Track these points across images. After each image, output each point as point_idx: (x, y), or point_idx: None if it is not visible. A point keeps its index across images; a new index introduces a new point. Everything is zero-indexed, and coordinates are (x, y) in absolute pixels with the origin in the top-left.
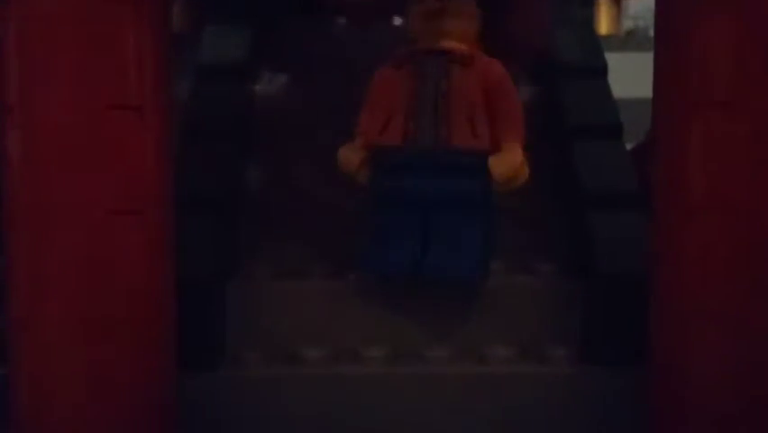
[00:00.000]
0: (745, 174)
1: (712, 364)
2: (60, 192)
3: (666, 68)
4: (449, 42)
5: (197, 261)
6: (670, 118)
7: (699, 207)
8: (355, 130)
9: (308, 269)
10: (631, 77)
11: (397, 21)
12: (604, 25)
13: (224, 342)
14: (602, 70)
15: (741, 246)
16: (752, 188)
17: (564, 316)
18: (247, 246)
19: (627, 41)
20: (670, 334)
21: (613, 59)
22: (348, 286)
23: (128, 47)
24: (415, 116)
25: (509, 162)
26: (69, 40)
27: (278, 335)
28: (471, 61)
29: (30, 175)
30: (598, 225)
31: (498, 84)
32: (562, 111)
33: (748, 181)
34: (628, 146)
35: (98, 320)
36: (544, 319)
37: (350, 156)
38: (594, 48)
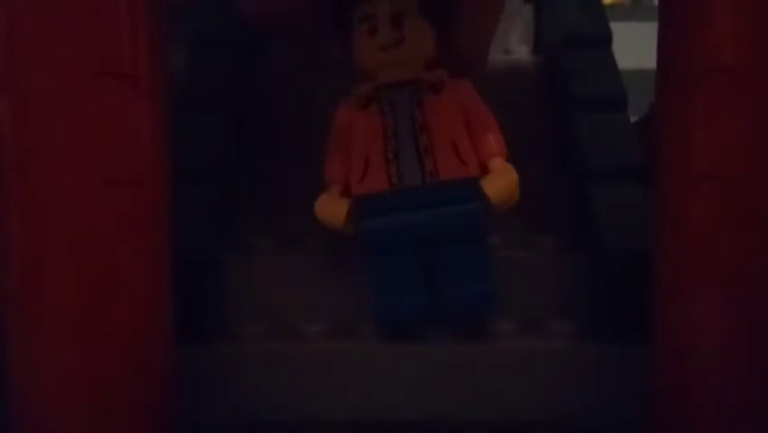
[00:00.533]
0: (750, 144)
1: (715, 337)
2: (54, 162)
3: (670, 36)
4: (414, 70)
5: (195, 233)
6: (674, 88)
7: (702, 177)
8: (326, 177)
9: (308, 242)
10: (636, 47)
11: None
12: None
13: (223, 315)
14: (607, 40)
15: (745, 217)
16: (756, 158)
17: (567, 290)
18: (246, 219)
19: (632, 10)
20: (673, 308)
21: (618, 29)
22: (347, 260)
23: (121, 14)
24: (396, 156)
25: (504, 182)
26: (61, 5)
27: (277, 308)
28: (442, 86)
29: (22, 144)
30: (602, 198)
31: (472, 102)
32: (566, 82)
33: (753, 152)
34: (633, 118)
35: (94, 292)
36: (546, 294)
37: (332, 210)
38: (599, 17)
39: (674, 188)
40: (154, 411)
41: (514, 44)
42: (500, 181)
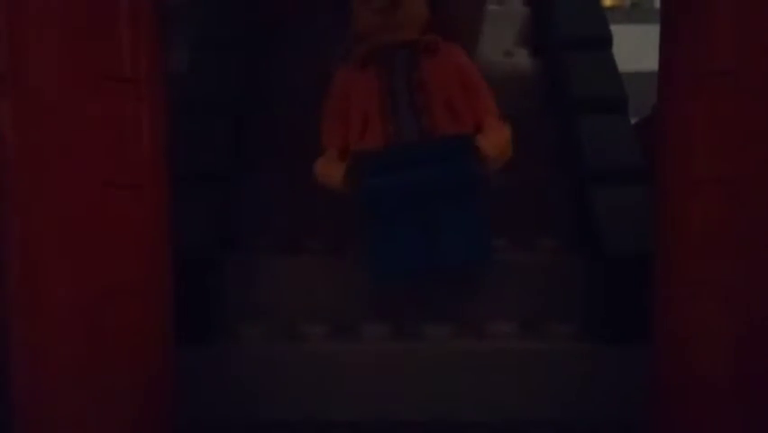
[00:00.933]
0: (751, 147)
1: (715, 338)
2: (55, 165)
3: (671, 39)
4: (409, 33)
5: (197, 234)
6: (675, 90)
7: (703, 180)
8: (324, 140)
9: (308, 243)
10: (636, 49)
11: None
12: None
13: (223, 316)
14: (607, 43)
15: (745, 220)
16: (757, 160)
17: (567, 292)
18: (247, 220)
19: (633, 12)
20: (673, 309)
21: (618, 32)
22: (348, 262)
23: (122, 17)
24: (393, 114)
25: (498, 139)
26: (61, 10)
27: (278, 309)
28: (437, 48)
29: (23, 148)
30: (602, 200)
31: (465, 65)
32: (567, 84)
33: (753, 154)
34: (633, 120)
35: (96, 294)
36: (546, 296)
37: (331, 170)
38: (599, 20)
39: (675, 191)
40: (154, 411)
41: (514, 47)
42: (494, 136)
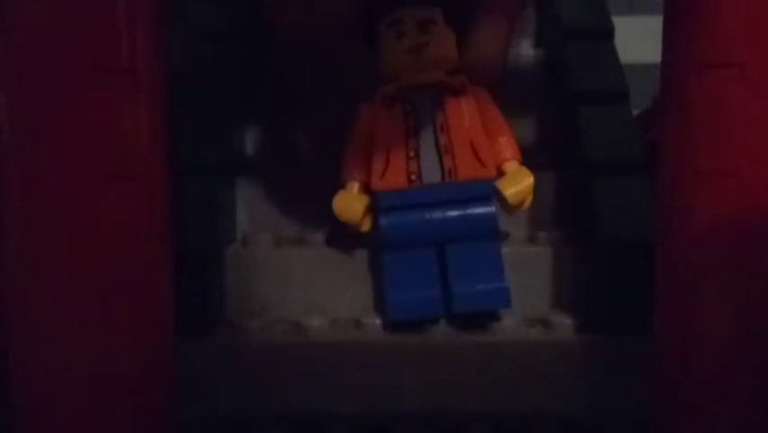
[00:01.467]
0: (755, 139)
1: (718, 331)
2: (51, 157)
3: (675, 30)
4: (437, 74)
5: (197, 227)
6: (678, 81)
7: (706, 172)
8: (345, 174)
9: (309, 236)
10: (639, 40)
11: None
12: None
13: (222, 309)
14: (609, 34)
15: (749, 212)
16: (761, 153)
17: (570, 283)
18: (247, 213)
19: (635, 3)
20: (676, 301)
21: (620, 23)
22: (348, 254)
23: (119, 8)
24: (416, 154)
25: (520, 185)
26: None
27: (278, 302)
28: (463, 90)
29: (20, 140)
30: (604, 191)
31: (489, 108)
32: (568, 75)
33: (758, 147)
34: (635, 112)
35: (94, 287)
36: (549, 287)
37: (352, 206)
38: (600, 11)
39: (678, 183)
40: (154, 405)
41: (515, 38)
42: (516, 183)
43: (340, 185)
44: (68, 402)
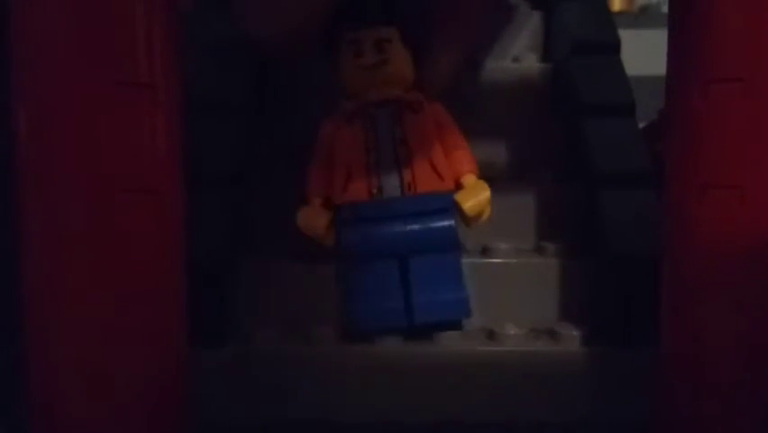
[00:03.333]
0: (759, 152)
1: (724, 343)
2: (71, 171)
3: (680, 44)
4: (395, 91)
5: (211, 238)
6: (683, 95)
7: (711, 185)
8: (308, 189)
9: (321, 248)
10: (644, 54)
11: None
12: (617, 2)
13: (236, 320)
14: (615, 47)
15: (754, 224)
16: (766, 165)
17: (576, 295)
18: (260, 224)
19: (641, 17)
20: (681, 313)
21: (626, 36)
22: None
23: (138, 23)
24: (376, 168)
25: (478, 198)
26: (78, 16)
27: (290, 313)
28: (420, 106)
29: (40, 153)
30: (610, 204)
31: (446, 122)
32: (575, 88)
33: (762, 159)
34: (641, 125)
35: (110, 298)
36: (554, 299)
37: (314, 220)
38: (607, 25)
39: (683, 197)
40: (168, 414)
41: (522, 52)
42: (474, 195)
43: (304, 200)
44: (84, 411)
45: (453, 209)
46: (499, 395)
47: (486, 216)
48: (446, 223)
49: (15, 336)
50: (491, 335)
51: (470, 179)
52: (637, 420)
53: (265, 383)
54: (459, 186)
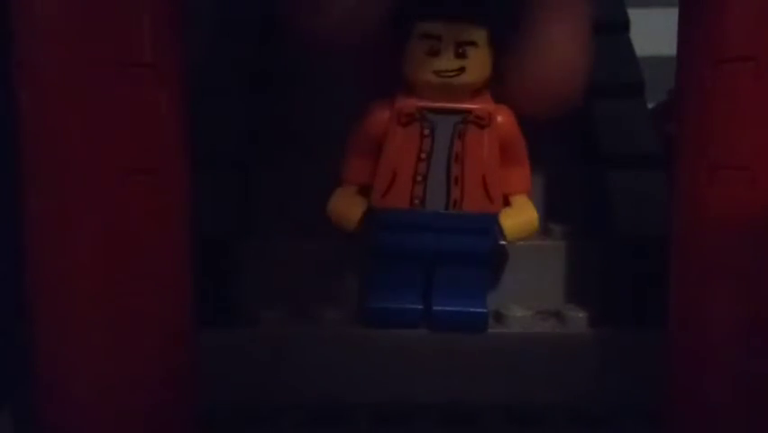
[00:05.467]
0: None
1: (732, 324)
2: (74, 152)
3: (690, 23)
4: (465, 101)
5: (215, 219)
6: (693, 75)
7: (721, 166)
8: (343, 173)
9: (325, 228)
10: (654, 34)
11: None
12: None
13: (241, 300)
14: (624, 26)
15: (763, 206)
16: None
17: (583, 277)
18: (265, 205)
19: None
20: (690, 295)
21: (636, 15)
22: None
23: (142, 2)
24: (424, 179)
25: (523, 222)
26: None
27: (295, 293)
28: (489, 122)
29: (43, 136)
30: (618, 185)
31: (513, 138)
32: None
33: None
34: (650, 105)
35: (117, 279)
36: (562, 280)
37: (348, 210)
38: (616, 3)
39: (693, 178)
40: (176, 396)
41: None
42: (519, 218)
43: (339, 181)
44: (90, 394)
45: (494, 229)
46: (507, 377)
47: (530, 237)
48: (482, 243)
49: (20, 325)
50: (498, 317)
51: (519, 199)
52: (645, 402)
53: (271, 365)
54: (507, 203)
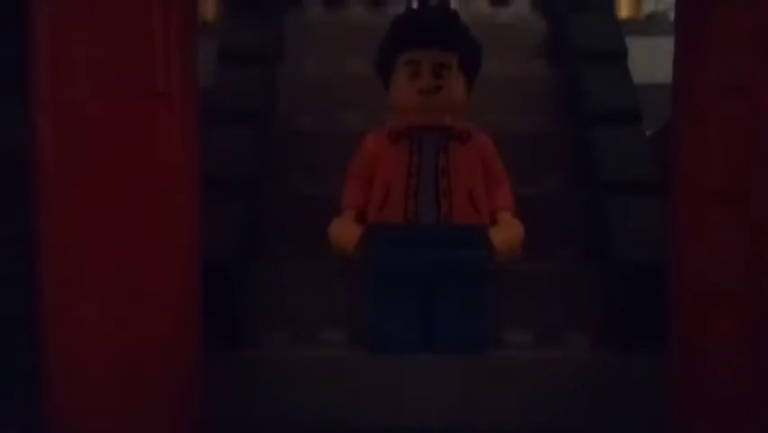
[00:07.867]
0: (764, 161)
1: (731, 349)
2: (89, 179)
3: (686, 52)
4: (446, 118)
5: (223, 242)
6: (689, 103)
7: (717, 193)
8: (343, 200)
9: (330, 251)
10: (651, 62)
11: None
12: (624, 9)
13: (247, 322)
14: (622, 55)
15: (759, 232)
16: None
17: (583, 302)
18: (271, 229)
19: (648, 25)
20: (688, 319)
21: (633, 44)
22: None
23: (155, 33)
24: (415, 194)
25: (510, 237)
26: (97, 27)
27: (301, 315)
28: (469, 137)
29: (62, 160)
30: (617, 211)
31: (491, 157)
32: (582, 96)
33: (766, 169)
34: (648, 132)
35: (127, 301)
36: (562, 305)
37: (346, 234)
38: (614, 32)
39: (689, 204)
40: (184, 417)
41: (530, 59)
42: (507, 233)
43: (337, 210)
44: (100, 413)
45: (485, 243)
46: (506, 401)
47: (518, 253)
48: (476, 255)
49: (32, 339)
50: (499, 341)
51: (505, 216)
52: (646, 426)
53: (276, 386)
54: (494, 221)
